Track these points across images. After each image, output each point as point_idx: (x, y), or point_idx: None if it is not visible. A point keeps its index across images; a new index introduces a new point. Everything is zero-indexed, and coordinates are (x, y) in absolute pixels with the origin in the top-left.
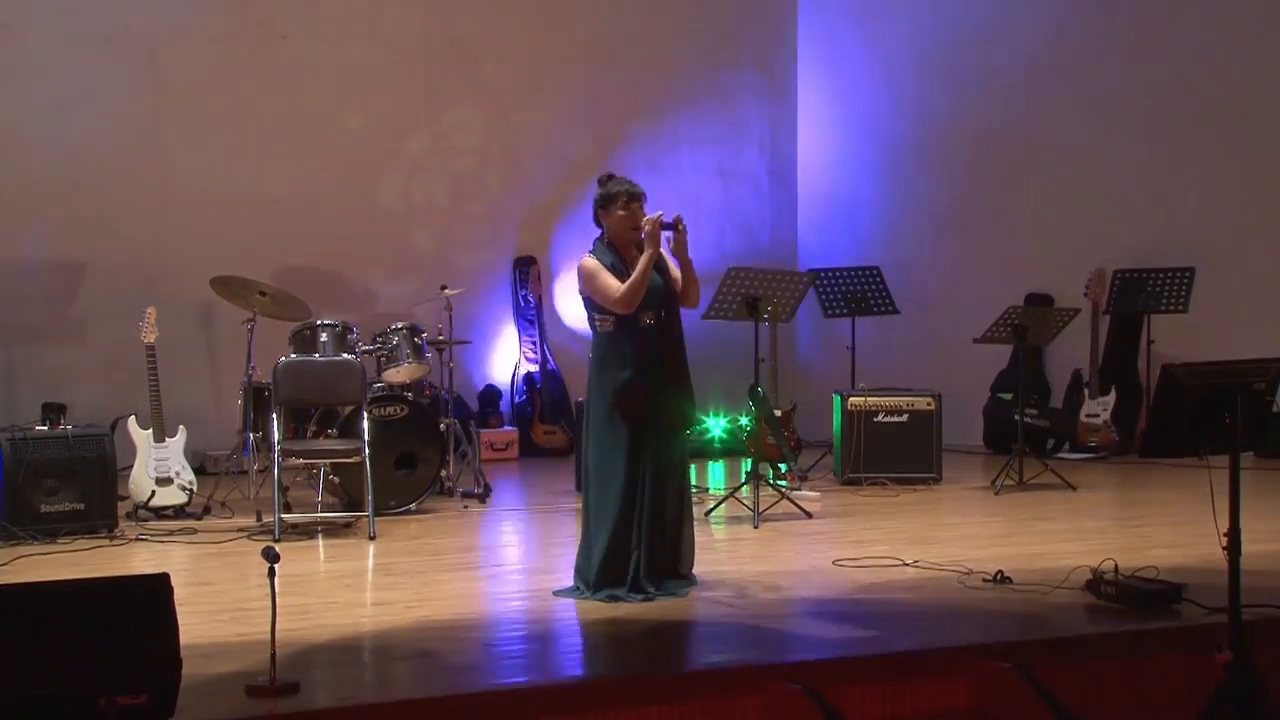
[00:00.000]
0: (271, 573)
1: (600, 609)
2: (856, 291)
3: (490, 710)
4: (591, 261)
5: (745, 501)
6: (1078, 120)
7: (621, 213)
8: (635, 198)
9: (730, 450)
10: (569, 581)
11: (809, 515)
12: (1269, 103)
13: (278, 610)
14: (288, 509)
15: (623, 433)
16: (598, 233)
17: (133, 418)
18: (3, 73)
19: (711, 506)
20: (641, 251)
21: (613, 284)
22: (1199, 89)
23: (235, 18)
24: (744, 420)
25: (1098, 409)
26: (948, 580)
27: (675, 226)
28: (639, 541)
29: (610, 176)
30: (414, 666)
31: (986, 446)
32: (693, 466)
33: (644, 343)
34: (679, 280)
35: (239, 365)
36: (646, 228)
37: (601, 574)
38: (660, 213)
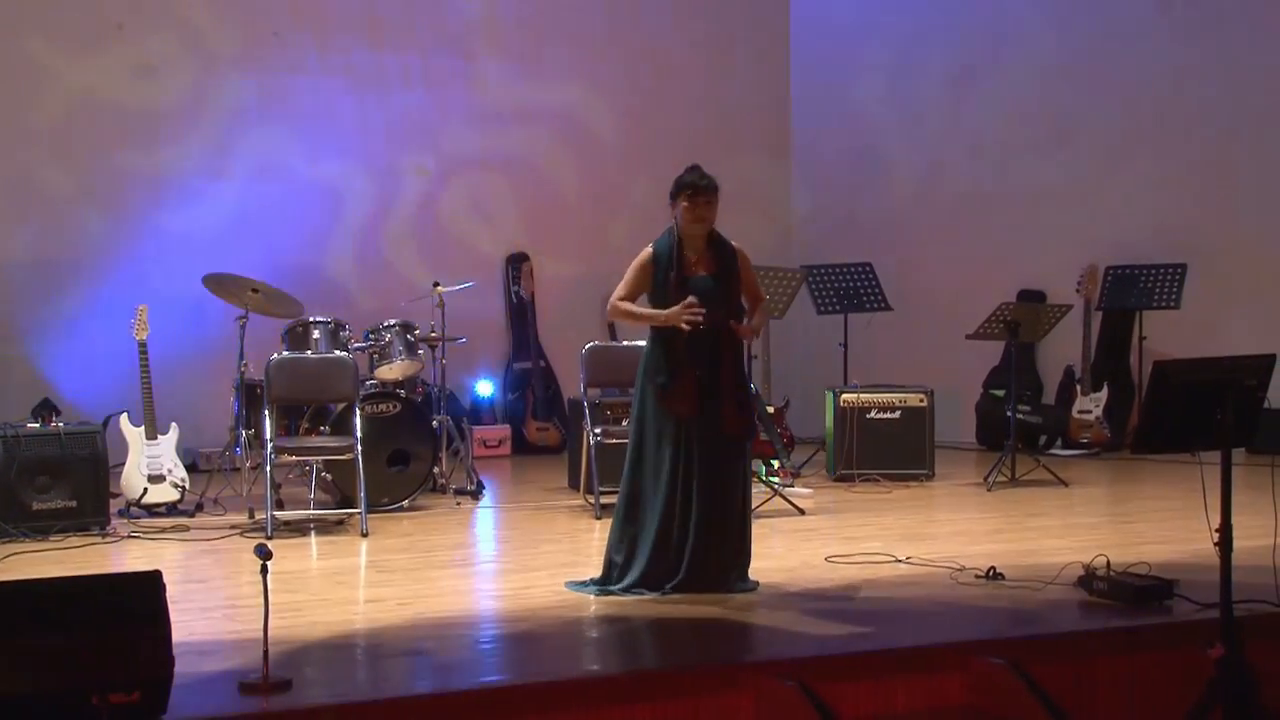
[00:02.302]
0: (264, 570)
1: (592, 606)
2: (849, 288)
3: (482, 708)
4: (645, 253)
5: None
6: (1071, 117)
7: (685, 204)
8: (700, 191)
9: None
10: (566, 577)
11: (801, 512)
12: (1261, 100)
13: (270, 607)
14: (280, 506)
15: (669, 432)
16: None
17: (125, 415)
18: None
19: None
20: (708, 247)
21: (624, 289)
22: (1192, 86)
23: (228, 16)
24: None
25: (1090, 405)
26: (940, 576)
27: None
28: (685, 543)
29: (690, 168)
30: (406, 664)
31: (979, 443)
32: None
33: (695, 343)
34: (752, 295)
35: (231, 362)
36: (684, 315)
37: (633, 578)
38: (700, 313)
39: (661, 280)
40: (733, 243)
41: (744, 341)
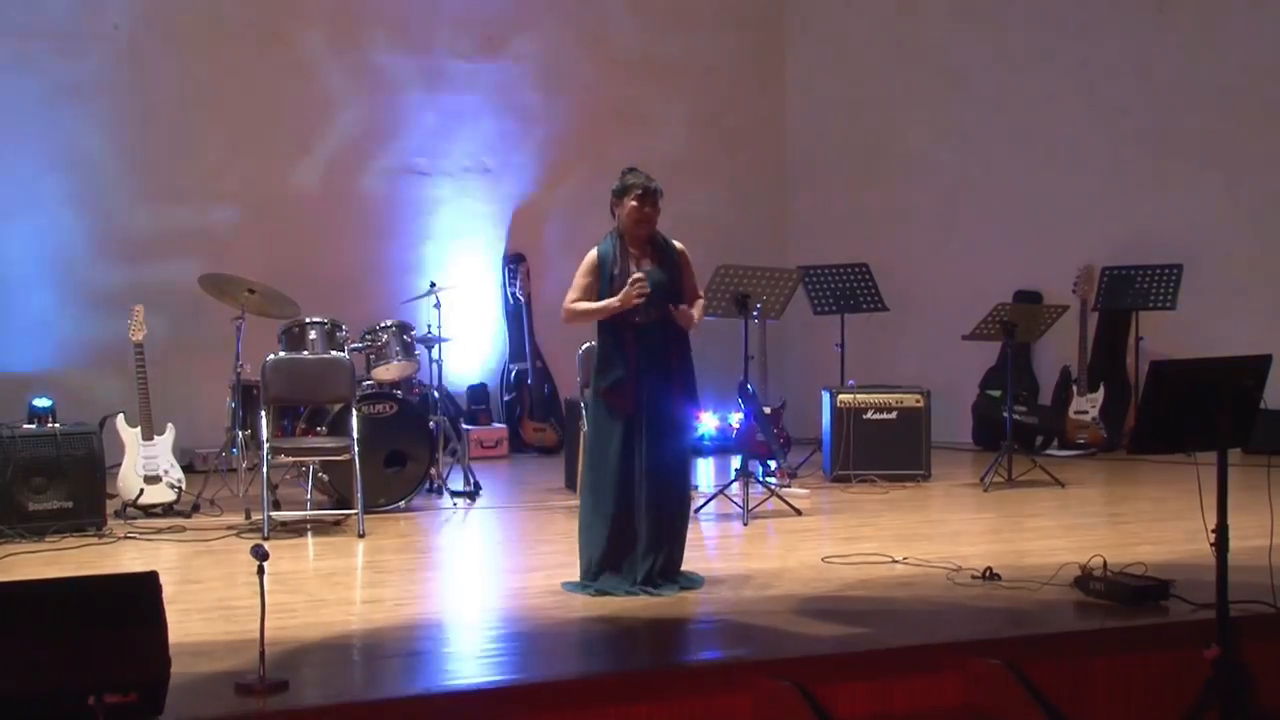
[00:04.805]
0: (261, 571)
1: (589, 606)
2: (846, 288)
3: (479, 708)
4: (590, 256)
5: (734, 499)
6: (1066, 117)
7: (633, 203)
8: (648, 193)
9: (720, 447)
10: (563, 578)
11: (798, 512)
12: (1256, 100)
13: (267, 608)
14: (277, 507)
15: (617, 428)
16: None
17: (121, 416)
18: None
19: (701, 504)
20: (649, 244)
21: (576, 293)
22: (1188, 87)
23: (223, 15)
24: (733, 418)
25: (1086, 406)
26: (937, 577)
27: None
28: (639, 538)
29: (631, 169)
30: (403, 664)
31: (975, 443)
32: None
33: (643, 340)
34: (691, 295)
35: (227, 363)
36: (633, 290)
37: (600, 568)
38: (641, 278)
39: (608, 279)
40: (676, 242)
41: (688, 333)
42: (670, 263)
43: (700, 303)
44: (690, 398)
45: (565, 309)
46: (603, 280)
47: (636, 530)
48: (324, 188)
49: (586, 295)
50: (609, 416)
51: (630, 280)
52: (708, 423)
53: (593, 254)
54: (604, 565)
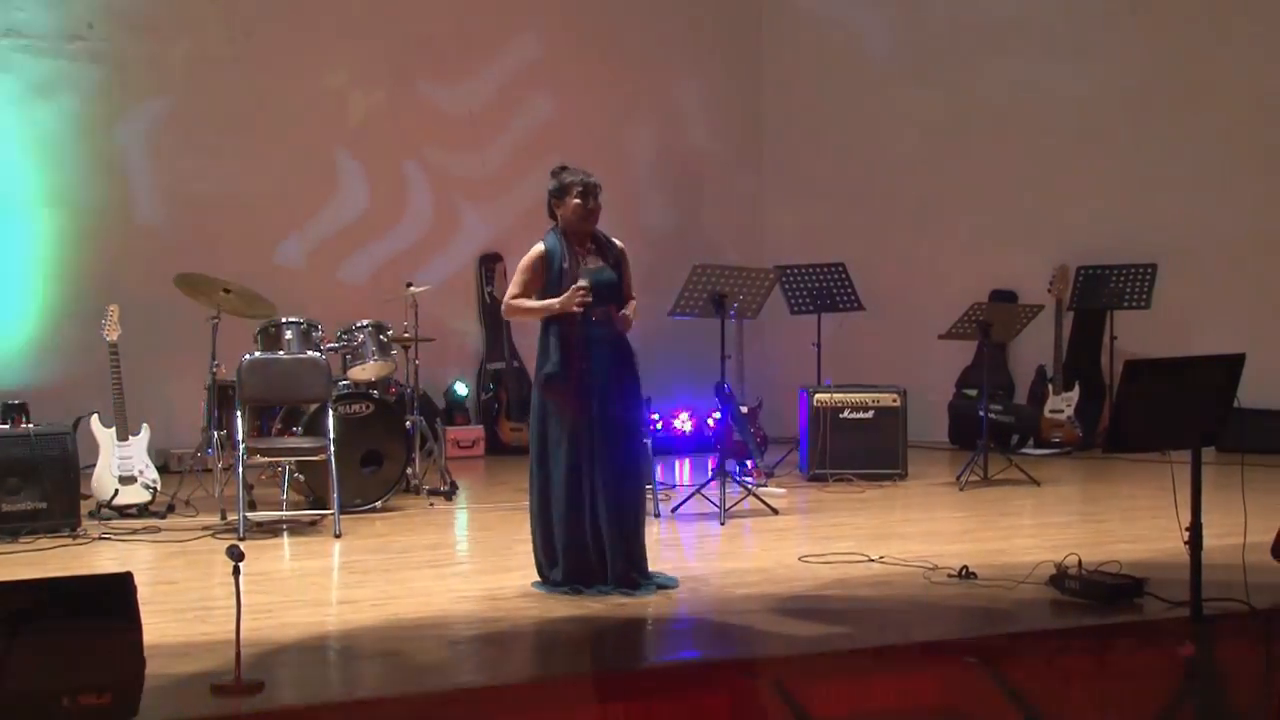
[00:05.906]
0: (236, 571)
1: (566, 606)
2: (822, 288)
3: (456, 709)
4: (536, 250)
5: (711, 498)
6: (1042, 117)
7: (576, 202)
8: (590, 189)
9: (696, 447)
10: (538, 578)
11: (775, 511)
12: (1231, 100)
13: (242, 609)
14: (252, 507)
15: (564, 427)
16: None
17: (95, 416)
18: None
19: (677, 503)
20: (592, 243)
21: (517, 288)
22: (1161, 86)
23: (199, 15)
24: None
25: (1061, 405)
26: (913, 576)
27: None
28: (604, 539)
29: (564, 168)
30: (379, 665)
31: (951, 442)
32: (657, 464)
33: (588, 337)
34: (627, 293)
35: (203, 363)
36: (574, 298)
37: (571, 576)
38: (584, 285)
39: (556, 276)
40: (617, 240)
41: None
42: (615, 261)
43: (633, 303)
44: (637, 396)
45: (506, 304)
46: (550, 275)
47: (600, 532)
48: (300, 187)
49: (527, 291)
50: (557, 414)
51: (574, 288)
52: (684, 421)
53: (539, 248)
54: (573, 573)
